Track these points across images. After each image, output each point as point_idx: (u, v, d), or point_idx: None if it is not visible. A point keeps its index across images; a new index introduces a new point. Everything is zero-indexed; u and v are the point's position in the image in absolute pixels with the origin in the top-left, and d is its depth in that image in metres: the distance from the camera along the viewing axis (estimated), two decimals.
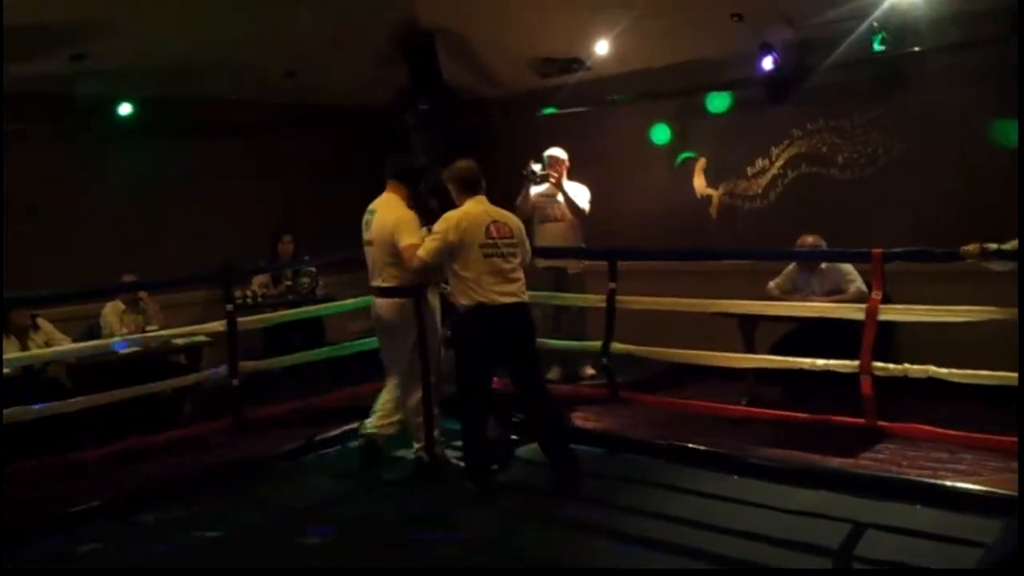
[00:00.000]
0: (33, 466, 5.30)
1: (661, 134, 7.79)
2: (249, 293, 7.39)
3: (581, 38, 7.33)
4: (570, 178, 6.94)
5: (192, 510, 5.00)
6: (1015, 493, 3.93)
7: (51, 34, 6.01)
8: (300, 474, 5.63)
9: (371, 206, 5.26)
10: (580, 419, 6.20)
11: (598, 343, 6.09)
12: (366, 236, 5.22)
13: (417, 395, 5.23)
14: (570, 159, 6.96)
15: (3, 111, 5.92)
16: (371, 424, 5.51)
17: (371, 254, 5.22)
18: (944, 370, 4.68)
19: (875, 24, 6.04)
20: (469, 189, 5.06)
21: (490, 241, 4.93)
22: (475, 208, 5.00)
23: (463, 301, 4.96)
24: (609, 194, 7.36)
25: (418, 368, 5.21)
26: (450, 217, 4.97)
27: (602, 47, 7.25)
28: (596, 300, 6.15)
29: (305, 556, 4.32)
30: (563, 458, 5.18)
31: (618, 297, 5.91)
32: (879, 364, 4.83)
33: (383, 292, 5.20)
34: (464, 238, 4.89)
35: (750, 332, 6.02)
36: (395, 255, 5.05)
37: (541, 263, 6.63)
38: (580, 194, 6.87)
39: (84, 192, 7.14)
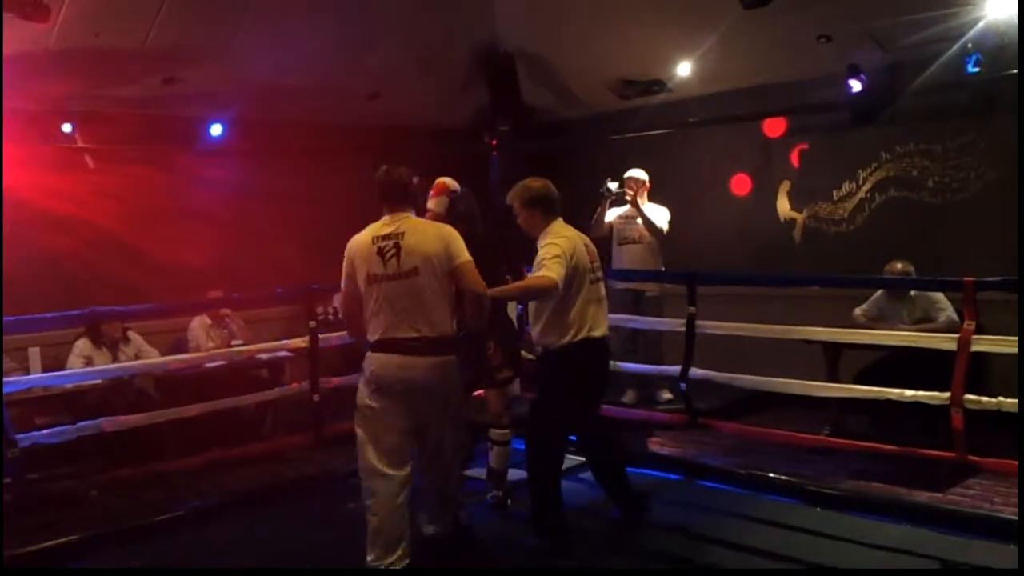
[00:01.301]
0: (120, 476, 5.46)
1: None
2: (331, 310, 7.52)
3: (663, 60, 7.29)
4: (650, 199, 6.90)
5: (269, 523, 5.08)
6: None
7: (146, 58, 6.23)
8: None
9: (377, 231, 3.92)
10: (656, 444, 6.14)
11: (675, 367, 6.01)
12: (386, 270, 3.85)
13: (456, 465, 4.30)
14: (650, 181, 6.92)
15: (2, 119, 6.13)
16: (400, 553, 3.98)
17: (398, 293, 3.84)
18: (1019, 401, 4.48)
19: (969, 45, 5.87)
20: (552, 210, 4.38)
21: (592, 265, 4.36)
22: (570, 230, 4.38)
23: (554, 339, 4.27)
24: (689, 216, 7.29)
25: (458, 434, 4.22)
26: (561, 234, 4.26)
27: (684, 68, 7.20)
28: (674, 324, 6.09)
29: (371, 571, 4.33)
30: (627, 493, 4.73)
31: (697, 321, 5.84)
32: (971, 397, 4.67)
33: (422, 347, 3.84)
34: (578, 262, 4.25)
35: (834, 360, 5.88)
36: (447, 289, 3.90)
37: (619, 285, 6.60)
38: (659, 215, 6.82)
39: (176, 210, 7.36)
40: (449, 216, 4.70)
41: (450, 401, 4.02)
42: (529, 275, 4.34)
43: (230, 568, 4.48)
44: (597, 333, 4.31)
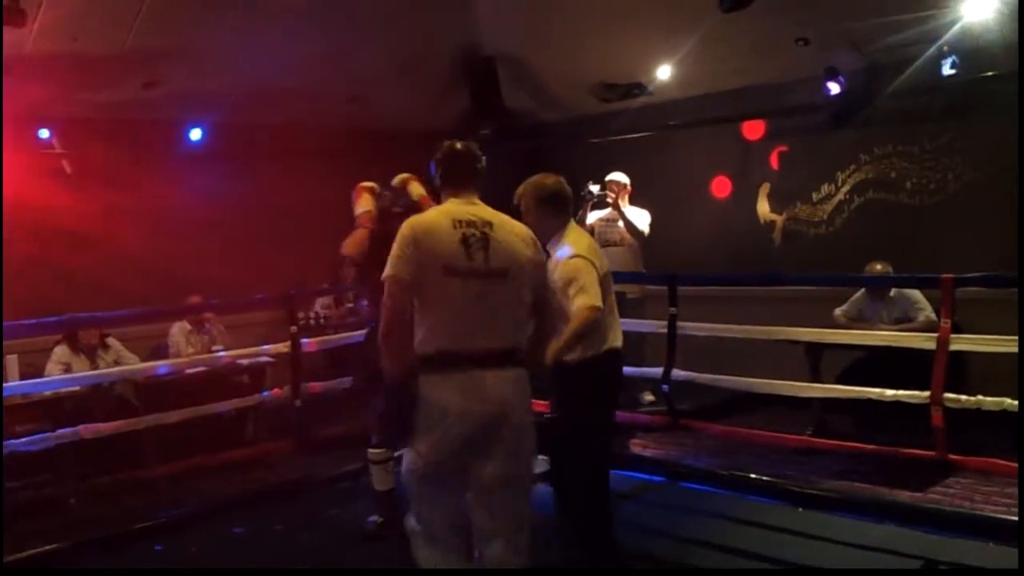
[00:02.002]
0: (101, 482, 5.42)
1: None
2: (312, 315, 7.49)
3: (643, 63, 7.32)
4: (631, 202, 6.93)
5: (252, 528, 5.05)
6: None
7: (125, 62, 6.19)
8: (360, 495, 5.65)
9: (455, 214, 3.13)
10: (638, 446, 6.14)
11: (658, 369, 6.03)
12: (472, 262, 3.04)
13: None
14: (632, 183, 6.94)
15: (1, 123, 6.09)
16: None
17: (482, 295, 3.06)
18: (1019, 402, 4.53)
19: (945, 48, 5.93)
20: (566, 210, 3.92)
21: (608, 272, 3.91)
22: (585, 235, 3.98)
23: (579, 352, 3.68)
24: (670, 219, 7.32)
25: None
26: (580, 242, 3.80)
27: (664, 72, 7.23)
28: (656, 325, 6.10)
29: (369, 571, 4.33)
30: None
31: (679, 323, 5.85)
32: (951, 395, 4.70)
33: (507, 359, 3.07)
34: (600, 269, 3.76)
35: (816, 360, 5.91)
36: (528, 298, 3.19)
37: None
38: (640, 218, 6.84)
39: (155, 215, 7.30)
40: (386, 215, 4.50)
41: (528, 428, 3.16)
42: (573, 303, 3.59)
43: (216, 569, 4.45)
44: (619, 343, 3.88)
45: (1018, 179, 5.45)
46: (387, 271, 3.00)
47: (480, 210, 3.16)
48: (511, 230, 3.17)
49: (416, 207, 4.32)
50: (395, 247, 3.02)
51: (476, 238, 3.06)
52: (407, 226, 3.07)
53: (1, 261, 6.18)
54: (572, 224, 3.91)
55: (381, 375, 3.08)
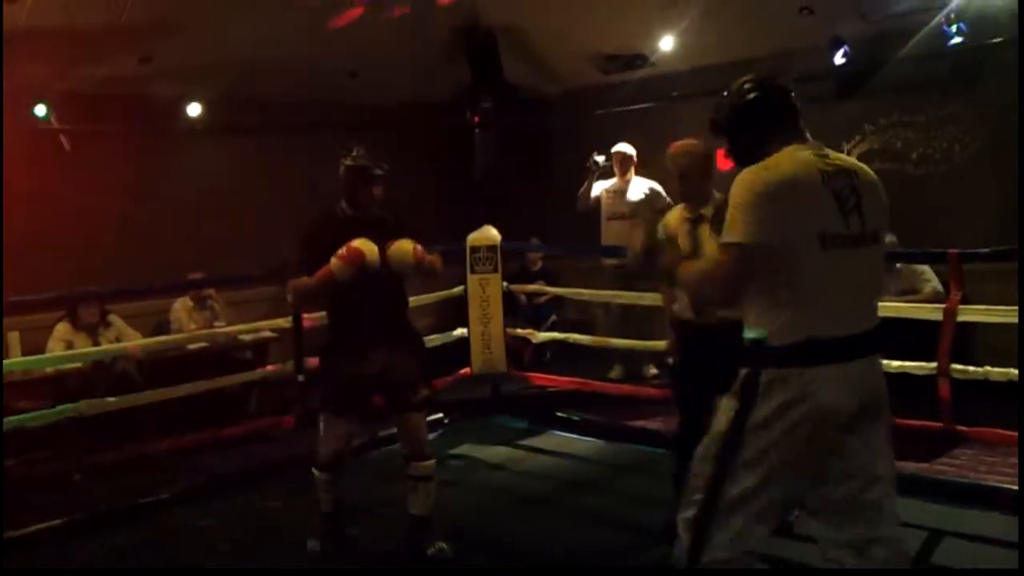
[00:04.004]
0: (103, 459, 5.41)
1: None
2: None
3: (645, 34, 7.25)
4: (638, 174, 6.89)
5: (257, 503, 5.07)
6: None
7: (121, 36, 6.12)
8: (364, 469, 5.64)
9: (815, 161, 2.50)
10: (643, 419, 6.12)
11: (663, 343, 5.99)
12: (848, 228, 2.44)
13: None
14: (637, 155, 6.89)
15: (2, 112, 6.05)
16: None
17: (860, 268, 2.49)
18: (1019, 376, 4.49)
19: (951, 15, 5.85)
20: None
21: None
22: None
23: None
24: (675, 191, 7.24)
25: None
26: None
27: (667, 43, 7.16)
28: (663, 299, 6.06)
29: (356, 553, 4.31)
30: None
31: None
32: (958, 366, 4.67)
33: (874, 344, 2.57)
34: None
35: None
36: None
37: (607, 261, 6.58)
38: (650, 190, 6.79)
39: (154, 191, 7.27)
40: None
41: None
42: None
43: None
44: None
45: (1018, 156, 5.39)
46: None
47: (838, 157, 2.58)
48: (868, 173, 2.58)
49: None
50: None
51: (847, 191, 2.44)
52: (765, 181, 2.42)
53: (1, 238, 6.13)
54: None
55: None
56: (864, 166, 2.62)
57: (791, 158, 2.49)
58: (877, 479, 2.54)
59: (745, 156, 2.58)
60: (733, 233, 2.41)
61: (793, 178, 2.42)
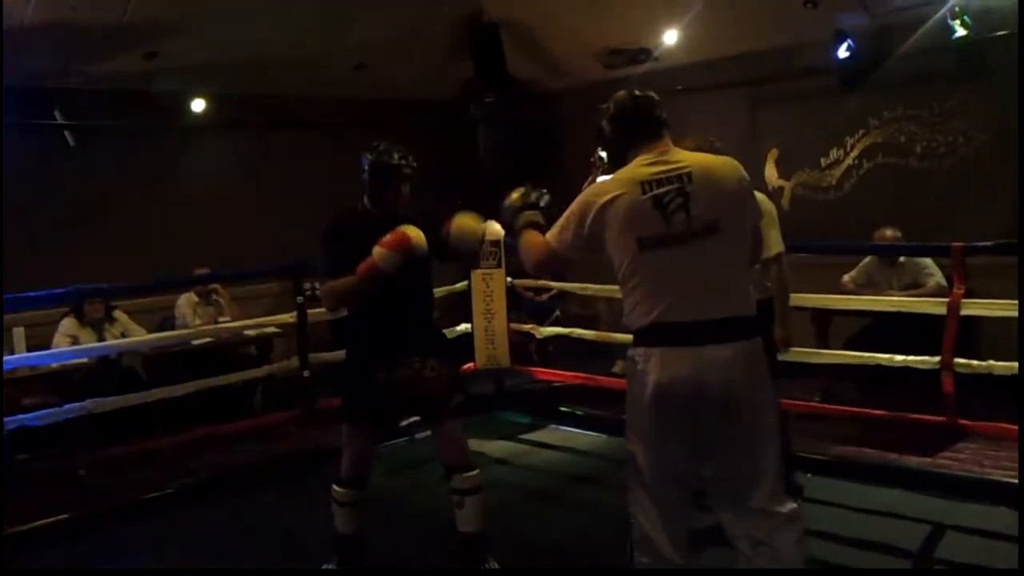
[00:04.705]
0: (109, 454, 5.44)
1: None
2: (319, 285, 7.46)
3: (649, 28, 7.23)
4: None
5: (263, 499, 5.08)
6: None
7: (125, 33, 6.13)
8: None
9: (640, 175, 2.71)
10: None
11: None
12: (669, 228, 2.65)
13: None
14: None
15: (3, 109, 6.05)
16: None
17: (689, 263, 2.66)
18: (1019, 370, 4.48)
19: (956, 8, 5.83)
20: None
21: None
22: None
23: None
24: None
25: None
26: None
27: (671, 37, 7.15)
28: None
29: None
30: None
31: None
32: (962, 360, 4.67)
33: (730, 330, 2.63)
34: None
35: (824, 327, 5.88)
36: (748, 250, 2.83)
37: None
38: None
39: (159, 187, 7.29)
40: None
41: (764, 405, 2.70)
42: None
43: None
44: None
45: (1019, 170, 5.37)
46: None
47: (676, 155, 2.75)
48: (719, 165, 2.78)
49: None
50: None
51: (671, 195, 2.64)
52: (589, 194, 2.79)
53: (2, 232, 6.15)
54: None
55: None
56: (713, 159, 2.82)
57: (628, 170, 2.75)
58: (737, 475, 2.67)
59: (616, 164, 2.88)
60: (552, 233, 2.86)
61: (616, 190, 2.70)
